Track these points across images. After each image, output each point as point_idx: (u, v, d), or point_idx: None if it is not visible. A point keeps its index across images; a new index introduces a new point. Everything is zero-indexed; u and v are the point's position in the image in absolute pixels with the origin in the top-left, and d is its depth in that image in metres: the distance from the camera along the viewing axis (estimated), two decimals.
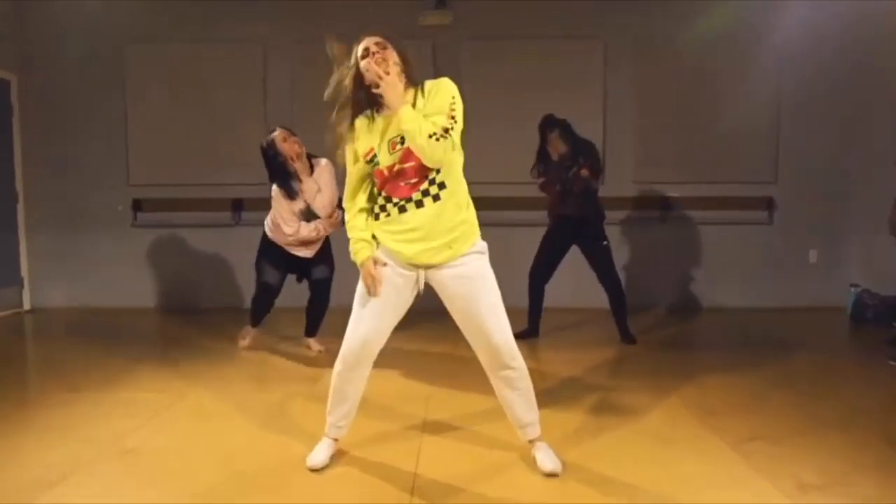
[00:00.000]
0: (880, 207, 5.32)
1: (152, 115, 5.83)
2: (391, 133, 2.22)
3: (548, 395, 3.16)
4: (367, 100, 2.27)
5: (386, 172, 2.23)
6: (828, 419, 2.94)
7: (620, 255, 4.99)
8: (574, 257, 4.46)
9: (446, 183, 2.23)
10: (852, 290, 5.33)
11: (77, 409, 3.10)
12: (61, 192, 5.89)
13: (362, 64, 2.23)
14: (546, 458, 2.39)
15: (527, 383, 2.40)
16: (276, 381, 3.63)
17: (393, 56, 2.24)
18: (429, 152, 2.13)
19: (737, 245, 5.78)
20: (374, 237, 2.31)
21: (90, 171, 5.88)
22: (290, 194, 3.82)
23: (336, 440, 2.50)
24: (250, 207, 5.61)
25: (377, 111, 2.28)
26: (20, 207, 5.85)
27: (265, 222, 4.01)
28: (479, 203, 2.40)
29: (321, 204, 3.86)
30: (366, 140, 2.26)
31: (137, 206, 5.88)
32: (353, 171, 2.32)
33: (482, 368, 2.41)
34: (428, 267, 2.28)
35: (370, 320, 2.31)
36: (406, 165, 2.19)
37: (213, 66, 5.78)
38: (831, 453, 2.55)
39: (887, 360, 3.94)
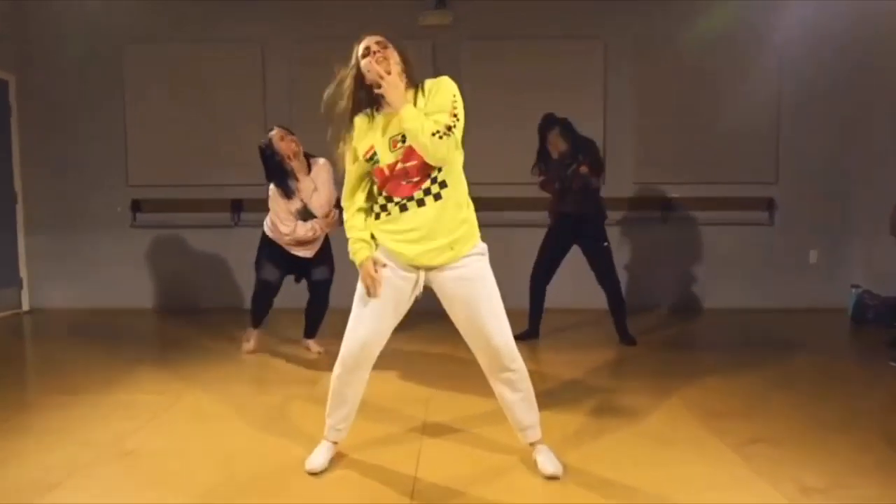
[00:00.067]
0: (881, 208, 5.31)
1: (151, 115, 5.82)
2: (392, 131, 2.21)
3: (548, 397, 3.15)
4: (367, 99, 2.27)
5: (387, 171, 2.21)
6: (829, 421, 2.94)
7: (621, 256, 4.98)
8: (574, 258, 4.45)
9: (447, 182, 2.22)
10: (853, 291, 5.32)
11: (76, 411, 3.09)
12: (60, 192, 5.89)
13: (363, 63, 2.23)
14: (547, 461, 2.38)
15: (527, 385, 2.39)
16: (276, 383, 3.62)
17: (394, 56, 2.23)
18: (432, 150, 2.12)
19: (737, 245, 5.78)
20: (372, 237, 2.30)
21: (89, 172, 5.87)
22: (287, 193, 3.81)
23: (335, 443, 2.49)
24: (250, 208, 5.60)
25: (377, 109, 2.27)
26: (19, 208, 5.84)
27: (265, 222, 4.00)
28: (479, 203, 2.39)
29: (317, 203, 3.84)
30: (365, 138, 2.25)
31: (136, 206, 5.87)
32: (353, 169, 2.31)
33: (482, 370, 2.40)
34: (429, 269, 2.27)
35: (369, 322, 2.30)
36: (408, 164, 2.18)
37: (213, 67, 5.77)
38: (833, 455, 2.54)
39: (888, 362, 3.93)
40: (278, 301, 4.13)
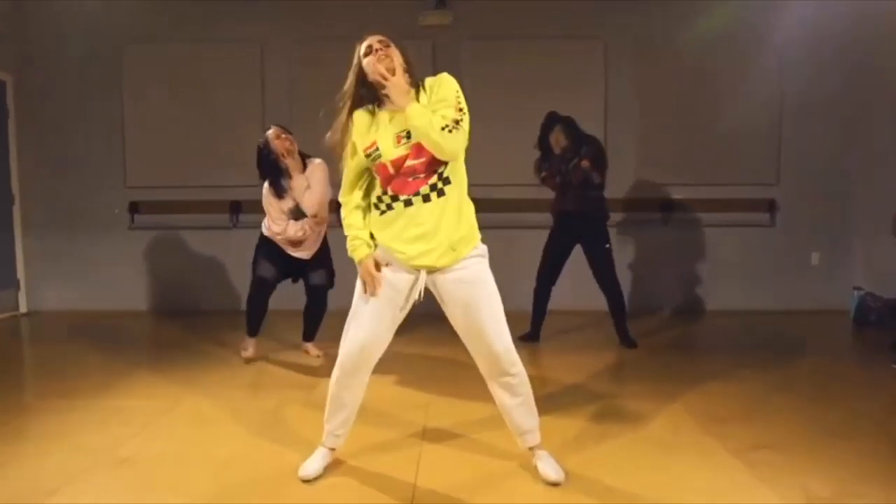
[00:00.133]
0: (883, 209, 5.30)
1: (150, 115, 5.79)
2: (396, 127, 2.19)
3: (549, 402, 3.13)
4: (368, 96, 2.26)
5: (391, 168, 2.18)
6: (832, 426, 2.91)
7: (621, 257, 4.94)
8: (574, 259, 4.42)
9: (451, 178, 2.21)
10: (855, 293, 5.29)
11: (73, 415, 3.07)
12: (58, 193, 5.86)
13: (365, 62, 2.22)
14: (548, 468, 2.35)
15: (526, 390, 2.36)
16: (273, 388, 3.58)
17: (397, 56, 2.22)
18: (444, 146, 2.11)
19: (738, 247, 5.74)
20: (371, 237, 2.27)
21: (87, 173, 5.84)
22: (278, 192, 3.80)
23: (333, 449, 2.46)
24: (249, 209, 5.56)
25: (379, 105, 2.25)
26: (16, 209, 5.80)
27: (263, 222, 3.98)
28: (479, 205, 2.36)
29: (309, 202, 3.80)
30: (366, 133, 2.23)
31: (134, 208, 5.84)
32: (352, 164, 2.28)
33: (482, 374, 2.37)
34: (429, 271, 2.23)
35: (368, 325, 2.27)
36: (417, 161, 2.16)
37: (212, 67, 5.74)
38: (837, 462, 2.51)
39: (890, 364, 3.90)
40: (277, 303, 4.10)
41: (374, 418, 2.91)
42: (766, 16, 5.65)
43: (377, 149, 2.19)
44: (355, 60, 2.26)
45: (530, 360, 4.01)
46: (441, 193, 2.18)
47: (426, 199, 2.18)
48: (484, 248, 2.31)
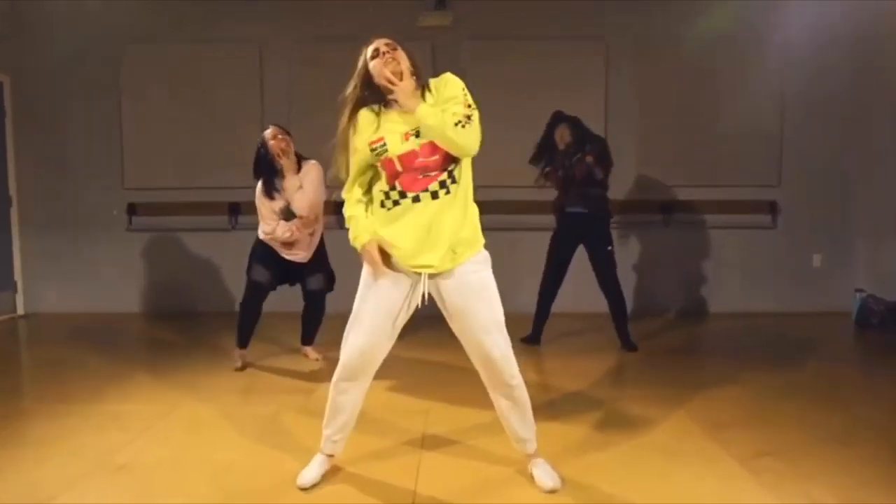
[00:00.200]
0: (885, 211, 5.28)
1: (149, 116, 5.75)
2: (404, 125, 2.18)
3: (550, 407, 3.11)
4: (373, 98, 2.25)
5: (397, 164, 2.16)
6: (835, 431, 2.88)
7: (622, 258, 4.91)
8: (575, 260, 4.39)
9: (458, 177, 2.20)
10: (857, 295, 5.26)
11: (71, 420, 3.04)
12: (56, 195, 5.82)
13: (372, 64, 2.21)
14: (545, 475, 2.34)
15: (524, 399, 2.34)
16: (271, 393, 3.55)
17: (404, 59, 2.21)
18: (459, 142, 2.11)
19: (740, 249, 5.71)
20: None
21: (85, 174, 5.81)
22: (268, 191, 3.77)
23: (331, 456, 2.43)
24: (247, 211, 5.50)
25: (385, 106, 2.24)
26: (14, 211, 5.77)
27: (259, 227, 3.95)
28: (480, 206, 2.32)
29: (299, 202, 3.76)
30: (372, 130, 2.21)
31: (132, 209, 5.81)
32: (355, 161, 2.25)
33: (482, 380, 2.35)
34: (430, 274, 2.21)
35: (369, 331, 2.25)
36: (429, 159, 2.15)
37: (211, 67, 5.71)
38: (840, 468, 2.49)
39: None
40: (276, 306, 4.07)
41: (373, 425, 2.88)
42: (766, 16, 5.62)
43: (384, 144, 2.17)
44: (361, 63, 2.25)
45: (531, 364, 3.99)
46: (449, 191, 2.18)
47: (434, 195, 2.16)
48: (487, 256, 2.28)
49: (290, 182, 3.79)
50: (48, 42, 5.73)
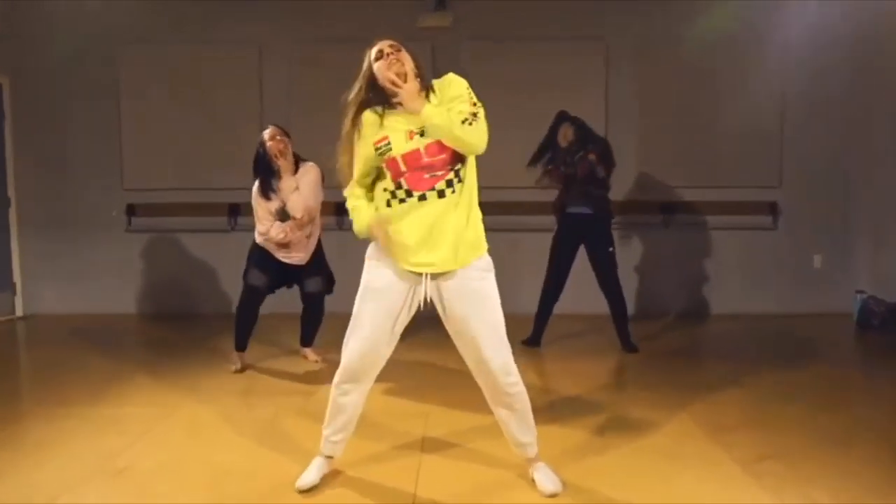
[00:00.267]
0: (885, 211, 5.27)
1: (148, 117, 5.74)
2: (408, 125, 2.18)
3: (550, 410, 3.10)
4: (377, 100, 2.24)
5: (401, 164, 2.16)
6: (836, 434, 2.87)
7: (623, 260, 4.90)
8: (575, 262, 4.38)
9: (463, 177, 2.20)
10: (858, 296, 5.25)
11: (70, 423, 3.03)
12: (55, 196, 5.81)
13: (376, 66, 2.20)
14: (545, 479, 2.32)
15: (524, 404, 2.32)
16: (271, 395, 3.54)
17: (408, 60, 2.21)
18: (467, 139, 2.11)
19: (741, 250, 5.70)
20: None
21: (84, 175, 5.79)
22: (264, 191, 3.76)
23: (330, 458, 2.42)
24: (247, 212, 5.46)
25: (389, 107, 2.23)
26: (13, 211, 5.76)
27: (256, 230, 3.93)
28: (482, 207, 2.31)
29: (294, 203, 3.74)
30: (376, 130, 2.20)
31: (132, 210, 5.79)
32: (358, 160, 2.25)
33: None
34: (431, 276, 2.20)
35: (369, 335, 2.24)
36: (435, 159, 2.15)
37: (210, 68, 5.70)
38: (841, 471, 2.48)
39: None
40: (275, 307, 4.06)
41: (372, 428, 2.87)
42: (766, 16, 5.61)
43: (388, 143, 2.17)
44: (365, 64, 2.24)
45: (531, 366, 3.97)
46: (455, 191, 2.18)
47: (441, 194, 2.16)
48: (490, 263, 2.27)
49: (286, 183, 3.78)
50: (48, 42, 5.72)
